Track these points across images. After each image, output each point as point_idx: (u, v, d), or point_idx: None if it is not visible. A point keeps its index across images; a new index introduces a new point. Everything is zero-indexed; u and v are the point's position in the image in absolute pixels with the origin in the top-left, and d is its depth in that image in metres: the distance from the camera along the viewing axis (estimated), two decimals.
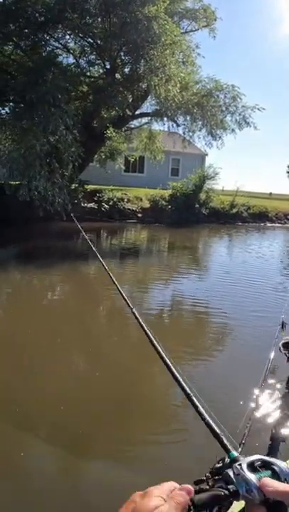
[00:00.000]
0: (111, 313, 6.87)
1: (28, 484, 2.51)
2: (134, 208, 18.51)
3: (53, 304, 7.22)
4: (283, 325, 2.28)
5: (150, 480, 0.71)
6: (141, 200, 19.15)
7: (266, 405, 1.68)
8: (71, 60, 16.11)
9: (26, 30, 14.26)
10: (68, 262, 10.35)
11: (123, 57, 15.86)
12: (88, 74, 16.50)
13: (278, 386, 1.77)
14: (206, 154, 28.20)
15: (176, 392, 3.60)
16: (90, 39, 15.45)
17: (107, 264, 2.22)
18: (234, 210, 22.69)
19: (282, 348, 1.85)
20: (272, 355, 1.85)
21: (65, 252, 11.91)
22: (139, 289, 8.42)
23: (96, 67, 16.76)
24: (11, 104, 14.66)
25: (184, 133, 20.33)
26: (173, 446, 2.85)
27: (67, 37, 15.80)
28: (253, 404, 1.63)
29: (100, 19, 14.58)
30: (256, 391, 1.70)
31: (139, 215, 18.55)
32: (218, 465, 1.16)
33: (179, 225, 18.41)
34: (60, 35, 15.54)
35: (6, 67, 14.48)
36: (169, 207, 19.70)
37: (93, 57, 16.11)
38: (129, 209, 18.20)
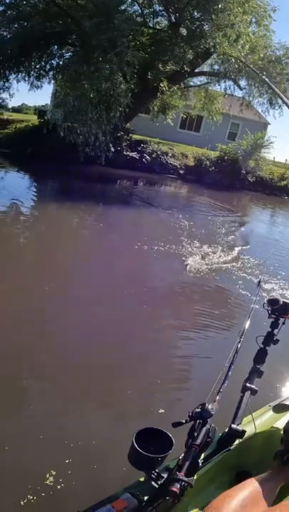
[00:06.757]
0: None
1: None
2: (176, 164, 18.86)
3: (76, 240, 8.09)
4: (259, 283, 2.61)
5: None
6: (186, 157, 19.43)
7: (244, 358, 1.92)
8: (136, 8, 16.17)
9: None
10: (102, 205, 11.37)
11: (191, 11, 15.66)
12: (150, 25, 16.57)
13: (258, 340, 1.98)
14: (269, 123, 27.38)
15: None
16: None
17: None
18: (283, 183, 22.36)
19: (266, 304, 1.98)
20: (250, 316, 2.07)
21: (100, 195, 12.90)
22: (157, 243, 7.97)
23: (160, 18, 16.76)
24: (69, 47, 15.21)
25: (244, 97, 20.07)
26: None
27: None
28: (231, 356, 1.83)
29: None
30: (236, 342, 1.90)
31: (181, 171, 18.87)
32: (197, 410, 1.44)
33: (220, 187, 18.27)
34: None
35: (70, 10, 14.80)
36: (213, 168, 19.86)
37: (159, 8, 16.12)
38: (171, 164, 18.58)
